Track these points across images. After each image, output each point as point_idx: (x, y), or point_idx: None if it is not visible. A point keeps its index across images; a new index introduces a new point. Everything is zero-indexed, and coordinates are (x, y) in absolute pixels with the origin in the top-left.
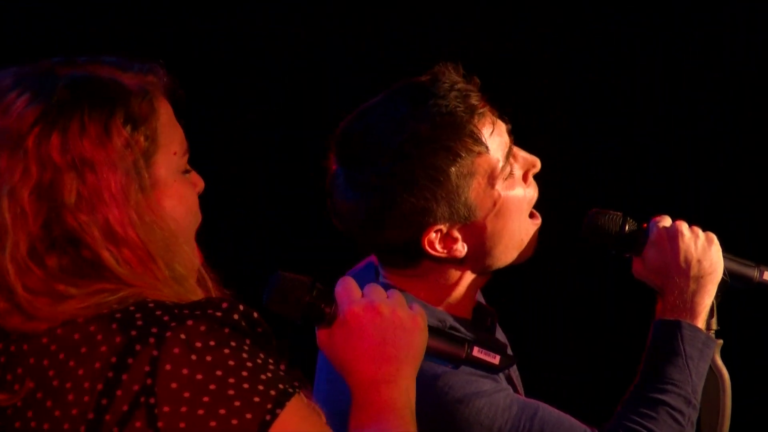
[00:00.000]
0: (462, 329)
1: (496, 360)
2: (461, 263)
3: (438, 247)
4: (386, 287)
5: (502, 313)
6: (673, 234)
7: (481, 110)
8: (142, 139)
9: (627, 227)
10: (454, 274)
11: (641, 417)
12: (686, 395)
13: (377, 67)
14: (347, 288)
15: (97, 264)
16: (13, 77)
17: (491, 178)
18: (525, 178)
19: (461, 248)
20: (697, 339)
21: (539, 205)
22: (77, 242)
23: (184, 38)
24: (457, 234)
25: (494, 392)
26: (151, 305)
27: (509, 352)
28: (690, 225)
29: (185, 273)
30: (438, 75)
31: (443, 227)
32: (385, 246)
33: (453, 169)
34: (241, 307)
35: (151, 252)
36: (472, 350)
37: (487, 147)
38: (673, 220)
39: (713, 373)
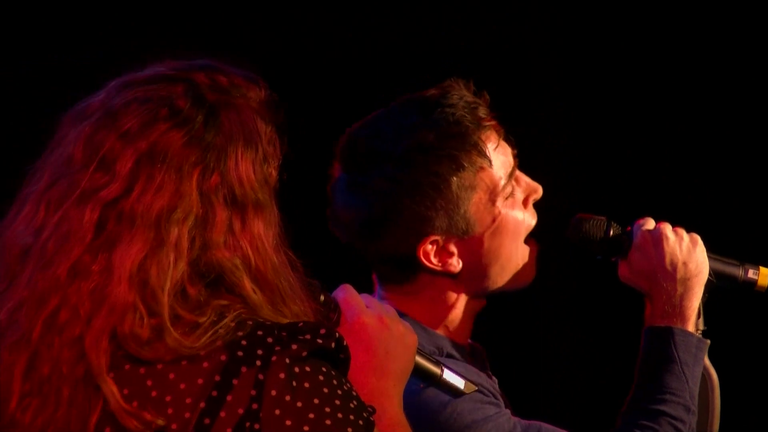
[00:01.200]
0: (458, 356)
1: (461, 385)
2: (456, 280)
3: (433, 259)
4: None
5: (493, 324)
6: (657, 238)
7: (488, 123)
8: (274, 173)
9: (611, 232)
10: (450, 295)
11: (644, 430)
12: (685, 403)
13: (371, 73)
14: (353, 297)
15: (223, 299)
16: (158, 91)
17: (492, 195)
18: (525, 203)
19: (456, 263)
20: (690, 344)
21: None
22: (217, 278)
23: (175, 38)
24: (453, 248)
25: (498, 416)
26: (250, 323)
27: (496, 386)
28: (673, 227)
29: (299, 312)
30: (447, 88)
31: (440, 239)
32: (382, 256)
33: (455, 178)
34: (337, 335)
35: (283, 295)
36: (443, 372)
37: (490, 161)
38: (657, 222)
39: (701, 373)
